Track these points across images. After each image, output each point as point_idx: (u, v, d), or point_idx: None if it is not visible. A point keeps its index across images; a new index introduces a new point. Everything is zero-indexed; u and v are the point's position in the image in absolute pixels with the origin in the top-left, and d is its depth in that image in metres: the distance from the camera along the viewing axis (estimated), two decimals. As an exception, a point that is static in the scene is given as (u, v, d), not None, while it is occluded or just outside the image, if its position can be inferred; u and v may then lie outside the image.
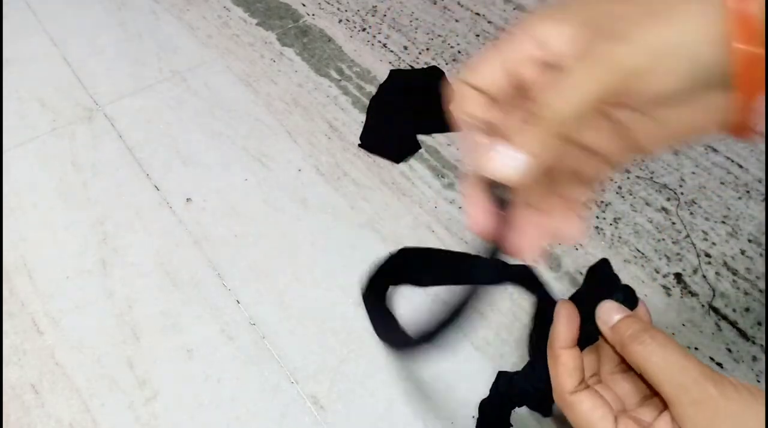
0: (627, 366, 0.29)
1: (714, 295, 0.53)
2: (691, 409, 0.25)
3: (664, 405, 0.27)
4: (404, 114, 0.69)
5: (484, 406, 0.43)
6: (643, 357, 0.27)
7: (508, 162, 0.21)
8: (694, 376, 0.25)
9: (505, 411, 0.41)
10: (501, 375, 0.40)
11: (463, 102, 0.24)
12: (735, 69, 0.20)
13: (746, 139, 0.23)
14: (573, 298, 0.31)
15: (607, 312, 0.29)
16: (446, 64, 0.76)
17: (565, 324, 0.29)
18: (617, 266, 0.56)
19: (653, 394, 0.28)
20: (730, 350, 0.50)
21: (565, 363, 0.29)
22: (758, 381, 0.48)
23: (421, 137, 0.67)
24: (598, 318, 0.29)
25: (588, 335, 0.30)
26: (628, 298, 0.30)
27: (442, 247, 0.58)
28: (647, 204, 0.60)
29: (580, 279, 0.55)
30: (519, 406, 0.39)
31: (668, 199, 0.61)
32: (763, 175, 0.62)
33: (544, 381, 0.32)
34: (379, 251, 0.58)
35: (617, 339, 0.28)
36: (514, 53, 0.22)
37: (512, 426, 0.44)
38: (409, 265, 0.39)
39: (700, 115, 0.21)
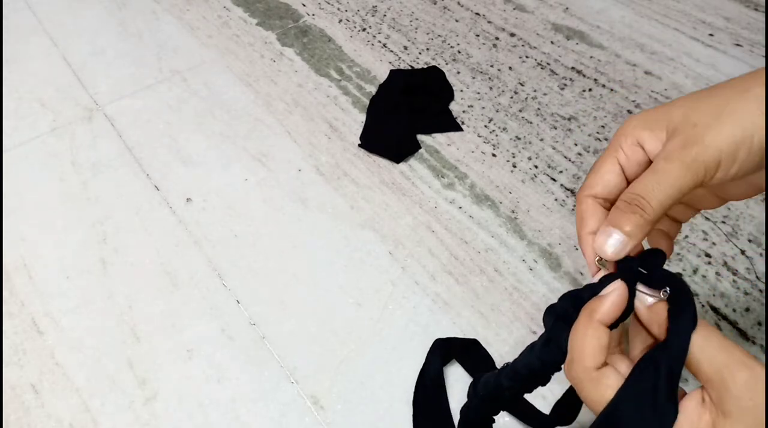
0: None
1: (714, 295, 0.53)
2: (735, 389, 0.24)
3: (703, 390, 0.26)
4: (404, 114, 0.69)
5: (464, 411, 0.42)
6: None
7: (617, 245, 0.28)
8: (738, 357, 0.25)
9: (489, 417, 0.40)
10: (479, 377, 0.40)
11: (586, 222, 0.31)
12: None
13: None
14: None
15: (643, 292, 0.28)
16: (446, 64, 0.76)
17: (615, 303, 0.28)
18: (617, 266, 0.55)
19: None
20: (730, 350, 0.50)
21: (600, 338, 0.28)
22: (758, 381, 0.48)
23: (421, 137, 0.67)
24: (637, 297, 0.29)
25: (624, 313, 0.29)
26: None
27: (442, 247, 0.58)
28: (647, 204, 0.60)
29: (581, 279, 0.55)
30: (495, 410, 0.38)
31: (668, 199, 0.61)
32: (763, 175, 0.62)
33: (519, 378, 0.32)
34: (379, 251, 0.58)
35: (654, 318, 0.28)
36: (623, 158, 0.29)
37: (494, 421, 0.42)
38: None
39: (756, 184, 0.29)
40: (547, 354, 0.31)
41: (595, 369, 0.28)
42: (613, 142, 0.30)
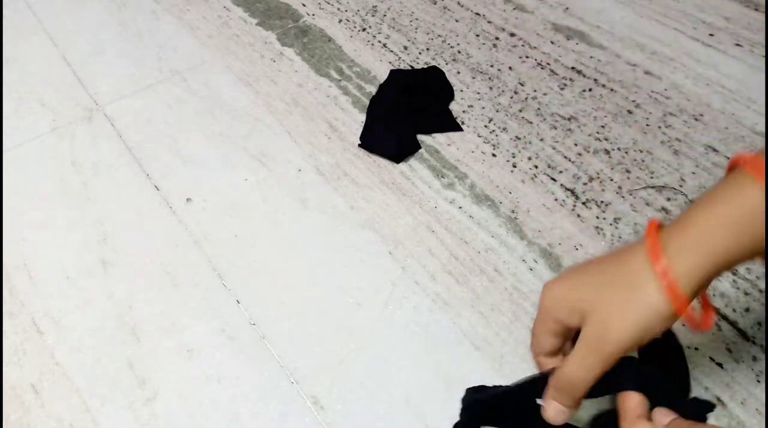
0: None
1: (714, 295, 0.53)
2: None
3: None
4: (404, 114, 0.69)
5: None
6: None
7: (559, 415, 0.36)
8: None
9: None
10: (473, 392, 0.43)
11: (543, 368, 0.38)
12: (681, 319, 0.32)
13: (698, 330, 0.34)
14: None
15: (661, 414, 0.34)
16: (446, 64, 0.76)
17: (638, 403, 0.34)
18: (617, 266, 0.56)
19: None
20: (730, 350, 0.50)
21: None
22: (758, 382, 0.48)
23: (421, 137, 0.67)
24: (654, 418, 0.34)
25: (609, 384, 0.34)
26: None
27: (442, 247, 0.58)
28: (647, 204, 0.60)
29: (580, 279, 0.55)
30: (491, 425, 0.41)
31: (668, 199, 0.61)
32: (763, 175, 0.62)
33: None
34: (379, 251, 0.58)
35: None
36: (554, 329, 0.36)
37: None
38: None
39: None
40: None
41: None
42: (542, 313, 0.36)
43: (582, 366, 0.33)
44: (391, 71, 0.74)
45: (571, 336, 0.37)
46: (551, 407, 0.35)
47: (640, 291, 0.32)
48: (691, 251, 0.31)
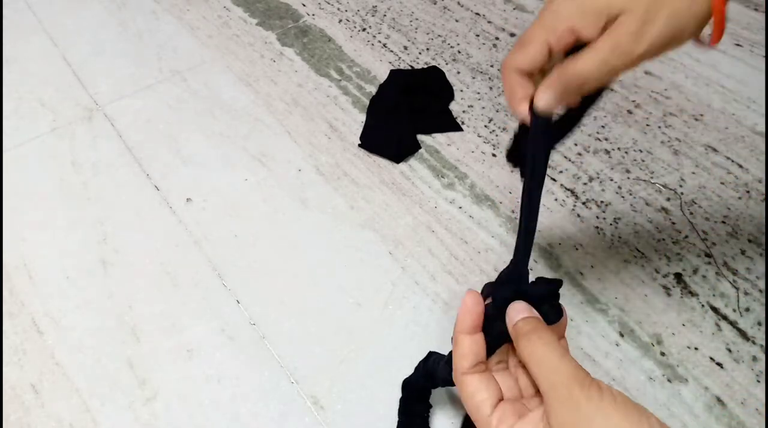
0: None
1: (714, 295, 0.53)
2: (558, 406, 0.27)
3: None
4: (404, 114, 0.69)
5: (407, 384, 0.46)
6: (527, 352, 0.30)
7: (548, 102, 0.32)
8: (564, 377, 0.28)
9: (426, 389, 0.44)
10: (431, 354, 0.44)
11: (516, 92, 0.34)
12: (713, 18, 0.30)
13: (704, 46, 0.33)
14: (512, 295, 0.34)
15: (514, 311, 0.32)
16: (446, 64, 0.76)
17: (467, 313, 0.32)
18: (617, 266, 0.56)
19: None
20: (730, 350, 0.50)
21: (460, 345, 0.32)
22: (758, 382, 0.48)
23: (421, 137, 0.67)
24: (507, 314, 0.32)
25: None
26: (553, 312, 0.33)
27: (442, 247, 0.58)
28: (647, 204, 0.60)
29: (580, 278, 0.55)
30: (437, 386, 0.44)
31: (668, 199, 0.61)
32: (763, 175, 0.62)
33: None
34: (379, 251, 0.58)
35: (513, 335, 0.31)
36: (554, 41, 0.32)
37: (432, 406, 0.46)
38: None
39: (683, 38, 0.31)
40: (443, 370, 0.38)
41: (461, 374, 0.32)
42: (545, 20, 0.32)
43: (604, 64, 0.30)
44: (391, 71, 0.74)
45: (557, 61, 0.33)
46: (549, 96, 0.32)
47: None
48: None
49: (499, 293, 0.34)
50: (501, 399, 0.31)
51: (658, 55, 0.31)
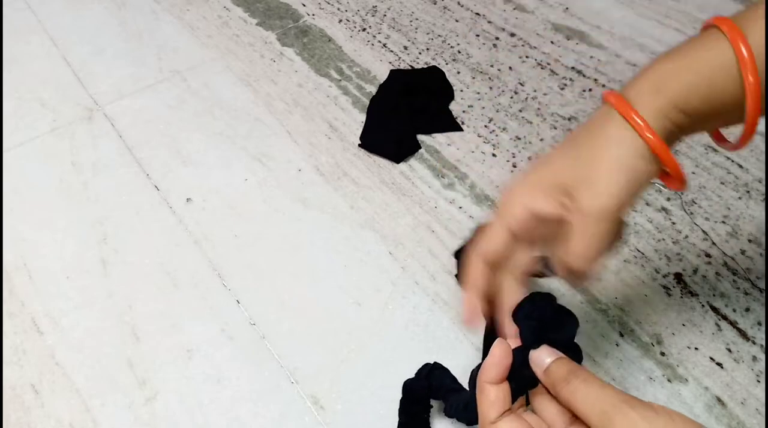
0: None
1: (714, 295, 0.53)
2: None
3: None
4: (404, 114, 0.69)
5: (408, 388, 0.46)
6: (570, 395, 0.29)
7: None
8: (612, 402, 0.27)
9: (426, 394, 0.45)
10: (434, 369, 0.45)
11: (475, 281, 0.36)
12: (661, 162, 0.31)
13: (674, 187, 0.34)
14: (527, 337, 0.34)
15: (539, 357, 0.32)
16: (446, 64, 0.76)
17: (496, 364, 0.32)
18: (617, 266, 0.56)
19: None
20: (730, 350, 0.50)
21: (487, 395, 0.31)
22: (758, 382, 0.48)
23: (421, 137, 0.67)
24: (532, 362, 0.32)
25: (528, 379, 0.32)
26: (576, 352, 0.33)
27: (442, 247, 0.58)
28: (647, 204, 0.60)
29: (580, 279, 0.55)
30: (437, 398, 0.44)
31: (668, 199, 0.61)
32: (763, 175, 0.62)
33: (469, 403, 0.36)
34: (379, 251, 0.58)
35: (549, 382, 0.31)
36: (514, 225, 0.33)
37: (432, 406, 0.46)
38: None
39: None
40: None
41: (490, 424, 0.31)
42: (502, 209, 0.34)
43: (590, 240, 0.31)
44: (391, 71, 0.74)
45: (520, 250, 0.34)
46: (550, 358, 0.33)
47: (613, 141, 0.31)
48: (649, 93, 0.31)
49: (524, 339, 0.34)
50: None
51: (629, 202, 0.32)
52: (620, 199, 0.31)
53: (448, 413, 0.41)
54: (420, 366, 0.46)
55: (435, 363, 0.45)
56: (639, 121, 0.30)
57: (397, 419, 0.46)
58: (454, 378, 0.44)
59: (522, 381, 0.32)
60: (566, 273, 0.33)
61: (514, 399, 0.32)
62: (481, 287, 0.35)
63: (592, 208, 0.31)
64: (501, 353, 0.32)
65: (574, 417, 0.31)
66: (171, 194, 0.63)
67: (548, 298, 0.34)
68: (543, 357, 0.31)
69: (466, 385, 0.42)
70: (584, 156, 0.32)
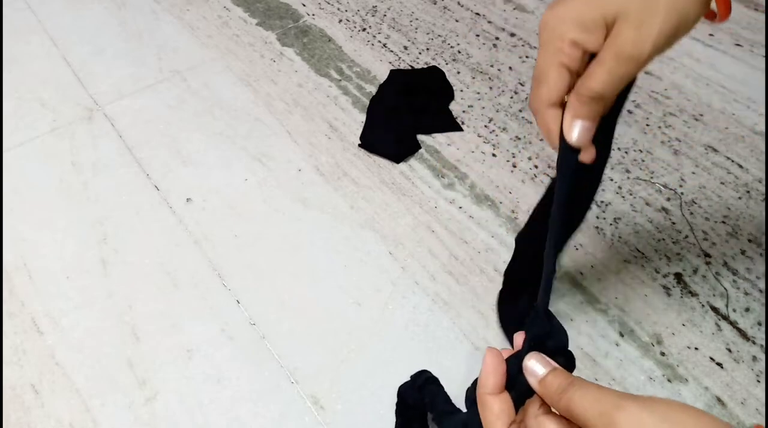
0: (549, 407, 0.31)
1: (714, 295, 0.53)
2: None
3: None
4: (404, 114, 0.69)
5: (402, 395, 0.46)
6: (568, 402, 0.28)
7: (585, 133, 0.31)
8: (610, 401, 0.27)
9: (420, 406, 0.44)
10: (424, 375, 0.45)
11: (549, 126, 0.33)
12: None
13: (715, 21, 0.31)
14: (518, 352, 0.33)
15: (534, 366, 0.31)
16: (446, 64, 0.76)
17: (491, 373, 0.31)
18: (617, 266, 0.56)
19: None
20: (730, 350, 0.50)
21: (491, 408, 0.31)
22: (758, 382, 0.48)
23: (421, 137, 0.67)
24: (525, 370, 0.31)
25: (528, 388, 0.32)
26: (569, 360, 0.32)
27: (442, 247, 0.58)
28: (647, 204, 0.60)
29: (580, 279, 0.55)
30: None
31: (668, 199, 0.61)
32: (763, 175, 0.62)
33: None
34: (379, 251, 0.58)
35: (546, 393, 0.30)
36: (567, 61, 0.31)
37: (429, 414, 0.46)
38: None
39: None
40: None
41: None
42: (549, 45, 0.31)
43: (614, 76, 0.29)
44: (391, 71, 0.74)
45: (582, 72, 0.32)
46: (578, 125, 0.31)
47: None
48: None
49: (523, 346, 0.34)
50: None
51: (667, 48, 0.30)
52: (662, 47, 0.29)
53: (426, 401, 0.41)
54: (416, 371, 0.46)
55: (429, 376, 0.45)
56: None
57: (395, 418, 0.46)
58: (447, 399, 0.43)
59: (521, 388, 0.32)
60: (577, 105, 0.31)
61: (516, 409, 0.32)
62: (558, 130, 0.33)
63: (633, 51, 0.29)
64: (493, 361, 0.32)
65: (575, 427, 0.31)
66: (171, 194, 0.63)
67: (546, 314, 0.34)
68: (537, 368, 0.31)
69: (460, 406, 0.42)
70: None
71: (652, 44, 0.28)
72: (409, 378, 0.46)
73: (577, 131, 0.31)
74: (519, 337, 0.35)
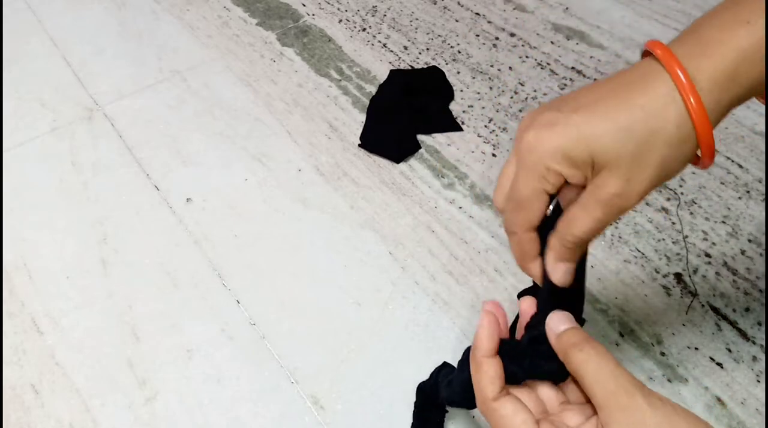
0: None
1: (714, 295, 0.53)
2: (619, 414, 0.27)
3: (593, 412, 0.28)
4: (404, 114, 0.69)
5: (421, 390, 0.45)
6: (581, 363, 0.29)
7: (567, 275, 0.32)
8: (624, 385, 0.27)
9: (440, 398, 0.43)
10: (445, 366, 0.44)
11: (530, 254, 0.34)
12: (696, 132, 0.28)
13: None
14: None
15: (556, 322, 0.31)
16: (446, 64, 0.76)
17: (486, 336, 0.31)
18: (617, 266, 0.56)
19: (581, 401, 0.31)
20: (730, 350, 0.50)
21: (486, 371, 0.31)
22: (758, 382, 0.48)
23: (421, 137, 0.67)
24: (547, 325, 0.31)
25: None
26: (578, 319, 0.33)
27: (442, 247, 0.58)
28: (647, 204, 0.60)
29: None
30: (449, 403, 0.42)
31: (668, 199, 0.61)
32: (763, 175, 0.62)
33: (464, 386, 0.34)
34: (379, 251, 0.58)
35: (560, 347, 0.30)
36: (552, 185, 0.31)
37: (447, 411, 0.46)
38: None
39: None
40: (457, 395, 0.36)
41: (492, 400, 0.30)
42: (533, 171, 0.30)
43: (598, 223, 0.30)
44: (391, 71, 0.74)
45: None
46: (560, 268, 0.32)
47: (662, 121, 0.28)
48: (705, 56, 0.28)
49: (538, 314, 0.34)
50: (536, 419, 0.30)
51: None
52: (644, 196, 0.29)
53: (447, 399, 0.40)
54: (422, 365, 0.46)
55: (445, 362, 0.45)
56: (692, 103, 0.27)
57: (397, 419, 0.46)
58: (462, 385, 0.44)
59: (528, 364, 0.32)
60: (559, 248, 0.31)
61: (521, 379, 0.32)
62: (533, 254, 0.34)
63: (620, 202, 0.29)
64: (490, 323, 0.32)
65: (568, 400, 0.31)
66: (171, 194, 0.63)
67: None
68: (557, 323, 0.31)
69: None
70: (629, 134, 0.28)
71: (638, 196, 0.29)
72: (428, 377, 0.45)
73: (561, 273, 0.32)
74: (525, 302, 0.35)
